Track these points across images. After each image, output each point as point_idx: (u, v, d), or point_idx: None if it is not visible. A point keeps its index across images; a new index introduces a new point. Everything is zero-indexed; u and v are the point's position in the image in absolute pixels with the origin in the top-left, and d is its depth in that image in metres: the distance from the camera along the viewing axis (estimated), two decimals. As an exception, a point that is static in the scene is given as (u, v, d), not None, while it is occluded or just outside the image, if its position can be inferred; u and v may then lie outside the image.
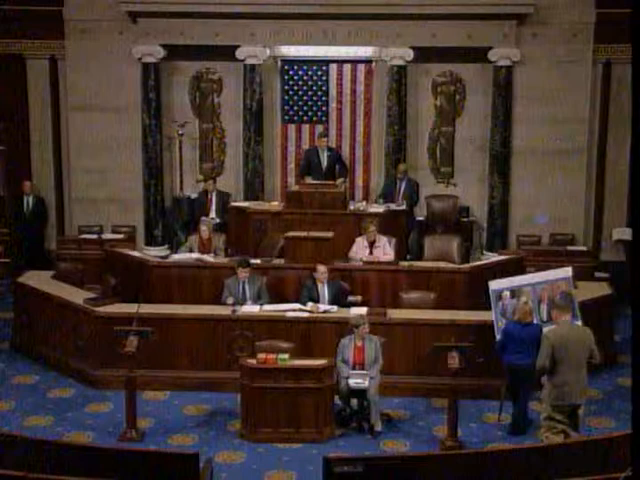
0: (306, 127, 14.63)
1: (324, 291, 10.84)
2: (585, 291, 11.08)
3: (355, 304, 10.80)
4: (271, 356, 9.35)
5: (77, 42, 14.24)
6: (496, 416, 9.68)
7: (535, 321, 9.51)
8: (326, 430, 9.29)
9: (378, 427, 9.39)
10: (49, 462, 7.00)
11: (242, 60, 14.11)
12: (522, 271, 11.54)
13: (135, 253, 12.51)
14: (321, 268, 10.81)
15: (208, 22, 13.81)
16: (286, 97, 14.58)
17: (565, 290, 9.95)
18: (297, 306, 10.61)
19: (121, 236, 13.94)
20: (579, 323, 9.57)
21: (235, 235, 13.09)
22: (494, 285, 9.97)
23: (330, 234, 11.62)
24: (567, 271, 10.21)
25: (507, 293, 9.88)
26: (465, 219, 14.37)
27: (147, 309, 10.13)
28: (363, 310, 10.41)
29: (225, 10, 13.68)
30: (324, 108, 14.54)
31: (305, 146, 14.52)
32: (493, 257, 13.09)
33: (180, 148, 14.43)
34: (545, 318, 9.75)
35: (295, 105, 14.58)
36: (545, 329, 9.03)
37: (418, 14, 13.57)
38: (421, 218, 14.16)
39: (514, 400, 9.48)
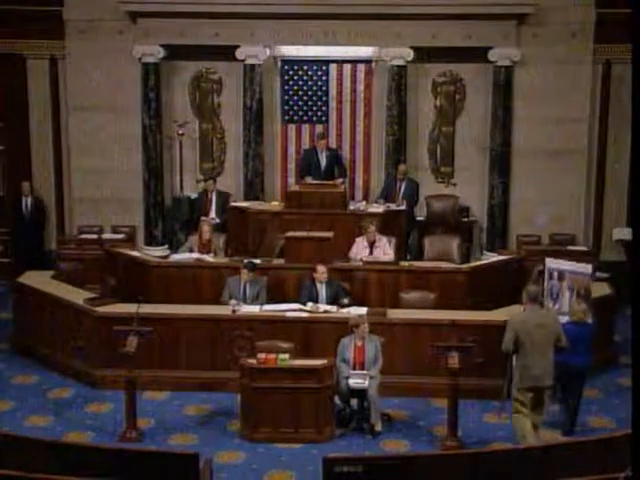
0: (306, 127, 14.60)
1: (323, 291, 10.84)
2: (585, 291, 11.11)
3: (347, 305, 10.75)
4: (271, 356, 9.35)
5: (77, 42, 14.22)
6: (496, 416, 9.67)
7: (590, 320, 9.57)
8: (326, 430, 9.29)
9: (378, 427, 9.39)
10: (49, 462, 7.00)
11: (242, 60, 14.09)
12: (522, 271, 11.54)
13: (135, 253, 12.52)
14: (320, 268, 10.81)
15: (208, 22, 13.79)
16: (286, 97, 14.56)
17: (586, 286, 10.16)
18: (297, 306, 10.61)
19: (121, 236, 13.94)
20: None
21: (235, 235, 13.07)
22: (550, 263, 10.26)
23: (330, 234, 11.62)
24: (587, 267, 10.40)
25: (556, 274, 10.16)
26: (465, 219, 14.35)
27: (147, 309, 10.12)
28: (363, 310, 10.41)
29: (225, 10, 13.65)
30: (324, 108, 14.53)
31: (305, 146, 14.50)
32: (493, 257, 13.09)
33: (180, 148, 14.41)
34: (566, 309, 9.91)
35: (295, 105, 14.56)
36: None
37: (418, 14, 13.55)
38: (421, 218, 14.13)
39: (564, 400, 9.45)
